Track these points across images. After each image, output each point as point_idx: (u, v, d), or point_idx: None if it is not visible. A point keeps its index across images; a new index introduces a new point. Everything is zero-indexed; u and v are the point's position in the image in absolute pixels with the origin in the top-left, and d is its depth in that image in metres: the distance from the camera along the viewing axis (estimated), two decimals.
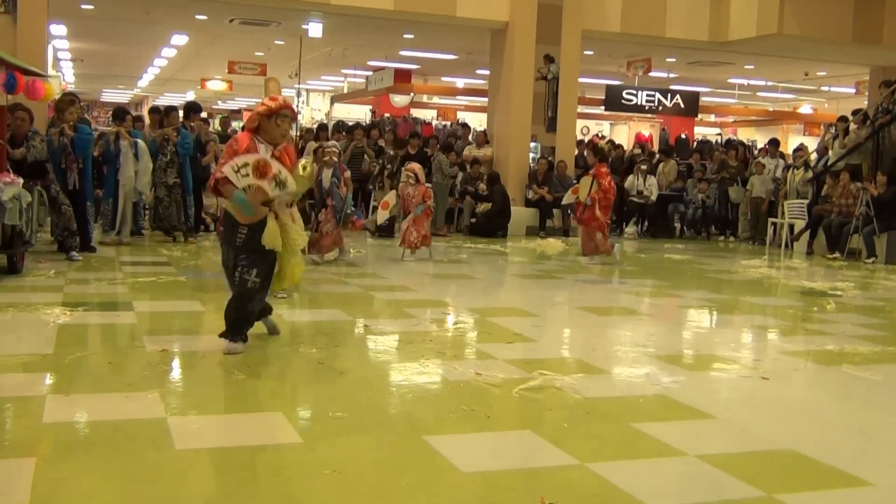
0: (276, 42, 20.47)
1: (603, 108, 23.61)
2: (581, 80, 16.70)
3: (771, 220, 14.81)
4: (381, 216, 11.70)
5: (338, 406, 4.43)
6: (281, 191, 5.34)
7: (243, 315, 5.54)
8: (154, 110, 12.68)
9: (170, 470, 3.53)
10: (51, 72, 16.88)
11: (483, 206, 14.40)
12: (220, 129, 16.11)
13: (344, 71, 26.67)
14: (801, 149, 17.00)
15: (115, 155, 10.66)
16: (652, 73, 20.68)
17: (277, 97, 5.48)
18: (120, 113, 11.41)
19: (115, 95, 40.36)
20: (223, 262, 5.69)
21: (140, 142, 10.94)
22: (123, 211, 10.80)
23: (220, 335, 5.54)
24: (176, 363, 5.32)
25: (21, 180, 8.05)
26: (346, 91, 30.33)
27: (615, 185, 15.97)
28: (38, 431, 3.92)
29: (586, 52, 17.19)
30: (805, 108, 30.91)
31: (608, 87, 21.63)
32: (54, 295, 7.18)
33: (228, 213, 5.52)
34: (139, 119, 12.71)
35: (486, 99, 17.98)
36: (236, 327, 5.52)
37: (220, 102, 39.56)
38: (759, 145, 23.55)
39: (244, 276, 5.46)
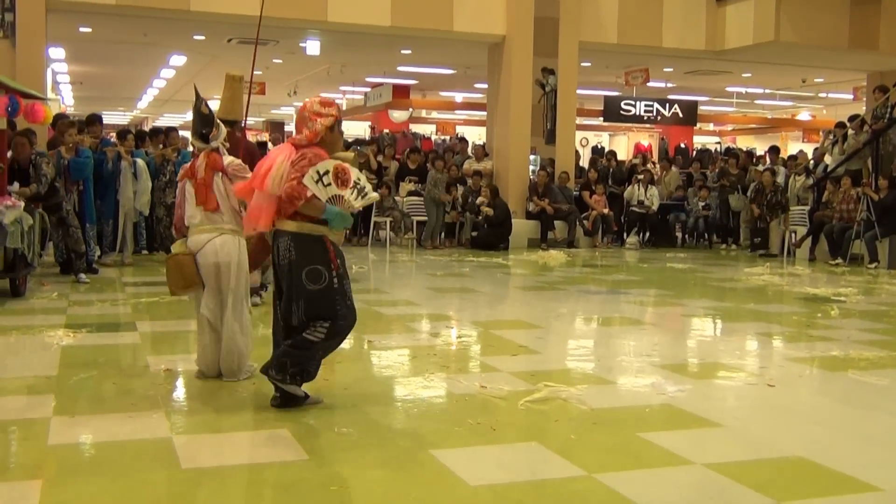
0: (275, 60, 20.52)
1: (601, 118, 23.65)
2: (579, 91, 16.70)
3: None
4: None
5: (343, 422, 4.42)
6: (362, 200, 4.58)
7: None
8: (155, 132, 12.72)
9: (176, 489, 3.52)
10: (50, 95, 16.94)
11: (486, 210, 14.33)
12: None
13: (342, 88, 26.70)
14: (797, 155, 17.03)
15: (115, 175, 10.62)
16: (650, 84, 20.69)
17: (331, 102, 4.65)
18: (122, 133, 11.41)
19: (114, 117, 40.44)
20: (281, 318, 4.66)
21: (139, 161, 10.91)
22: (124, 231, 10.79)
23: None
24: (180, 382, 5.31)
25: (22, 203, 8.06)
26: (344, 108, 30.40)
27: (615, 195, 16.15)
28: (43, 453, 3.92)
29: (584, 64, 17.21)
30: (803, 115, 30.94)
31: (606, 97, 21.66)
32: (57, 317, 7.18)
33: (299, 255, 4.48)
34: (143, 137, 12.63)
35: (484, 113, 17.99)
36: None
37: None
38: (759, 153, 23.56)
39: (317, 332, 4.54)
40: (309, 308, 4.47)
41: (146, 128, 32.27)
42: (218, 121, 5.35)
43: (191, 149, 13.18)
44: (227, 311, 5.16)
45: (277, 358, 4.55)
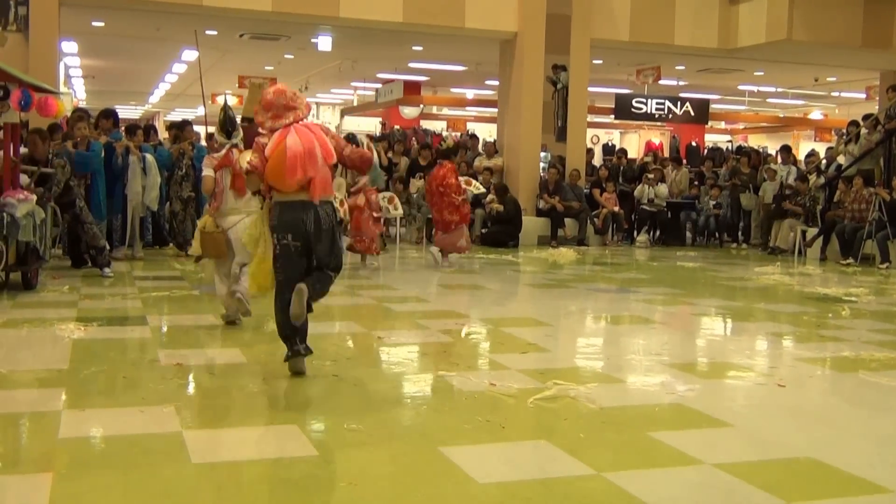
0: (286, 56, 20.56)
1: (613, 116, 23.59)
2: (590, 88, 16.68)
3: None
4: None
5: (353, 418, 4.42)
6: None
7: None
8: (179, 125, 12.73)
9: (186, 484, 3.53)
10: (62, 89, 16.98)
11: (496, 206, 14.32)
12: None
13: (353, 84, 26.72)
14: (812, 154, 16.97)
15: (123, 169, 10.61)
16: (661, 81, 20.64)
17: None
18: (131, 127, 11.44)
19: (126, 111, 40.55)
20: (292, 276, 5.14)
21: (148, 156, 10.90)
22: (132, 226, 10.81)
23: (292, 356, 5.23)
24: (191, 377, 5.33)
25: (34, 197, 8.09)
26: (355, 104, 30.41)
27: (623, 192, 16.13)
28: (54, 447, 3.93)
29: (595, 61, 17.18)
30: (815, 114, 30.81)
31: (618, 95, 21.62)
32: (68, 310, 7.21)
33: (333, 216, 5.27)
34: (152, 129, 12.60)
35: (495, 109, 17.98)
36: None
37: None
38: (770, 152, 23.48)
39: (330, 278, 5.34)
40: (339, 256, 5.37)
41: (157, 122, 32.47)
42: (238, 124, 6.72)
43: (203, 142, 13.34)
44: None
45: (318, 294, 5.25)
